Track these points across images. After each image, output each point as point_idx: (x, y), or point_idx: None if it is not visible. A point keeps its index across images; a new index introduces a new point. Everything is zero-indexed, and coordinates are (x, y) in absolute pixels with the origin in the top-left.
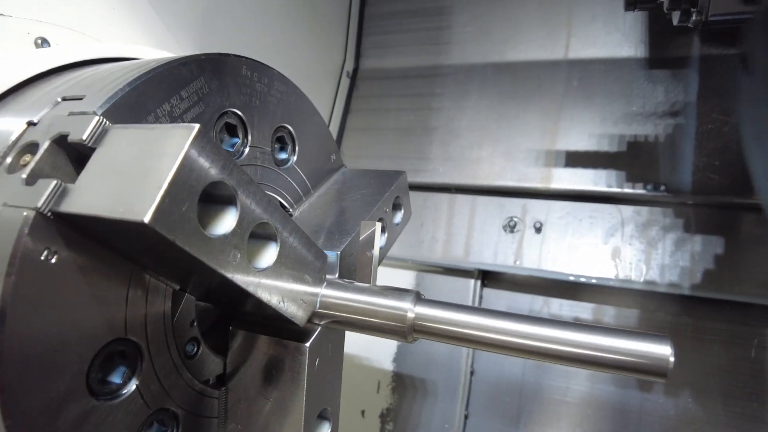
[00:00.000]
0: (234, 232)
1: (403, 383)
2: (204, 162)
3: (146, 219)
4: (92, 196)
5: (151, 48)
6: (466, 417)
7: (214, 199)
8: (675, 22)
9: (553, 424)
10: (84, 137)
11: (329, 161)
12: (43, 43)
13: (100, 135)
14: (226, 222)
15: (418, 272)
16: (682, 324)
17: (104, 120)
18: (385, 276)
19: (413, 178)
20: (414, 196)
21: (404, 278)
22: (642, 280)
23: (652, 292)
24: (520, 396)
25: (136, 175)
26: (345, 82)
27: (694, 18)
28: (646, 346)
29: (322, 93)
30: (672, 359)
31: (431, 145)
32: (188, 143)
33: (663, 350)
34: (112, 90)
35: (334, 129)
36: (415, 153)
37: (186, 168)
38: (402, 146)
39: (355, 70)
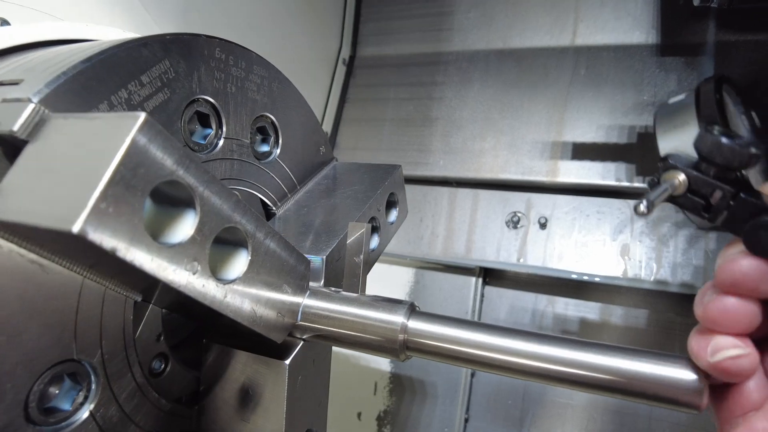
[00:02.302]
0: (192, 239)
1: (401, 385)
2: (153, 157)
3: (75, 228)
4: (20, 199)
5: (119, 30)
6: (466, 420)
7: (170, 200)
8: (696, 2)
9: (557, 428)
10: (15, 128)
11: (318, 154)
12: (2, 24)
13: (36, 126)
14: (183, 228)
15: (418, 269)
16: (693, 325)
17: (41, 108)
18: (384, 273)
19: (413, 171)
20: (414, 190)
21: (403, 276)
22: (652, 279)
23: (662, 291)
24: (523, 399)
25: (71, 175)
26: (341, 70)
27: None
28: (678, 373)
29: (316, 82)
30: (706, 390)
31: (432, 137)
32: (131, 135)
33: (693, 378)
34: (54, 74)
35: (329, 119)
36: (415, 145)
37: (128, 165)
38: (401, 138)
39: (352, 57)
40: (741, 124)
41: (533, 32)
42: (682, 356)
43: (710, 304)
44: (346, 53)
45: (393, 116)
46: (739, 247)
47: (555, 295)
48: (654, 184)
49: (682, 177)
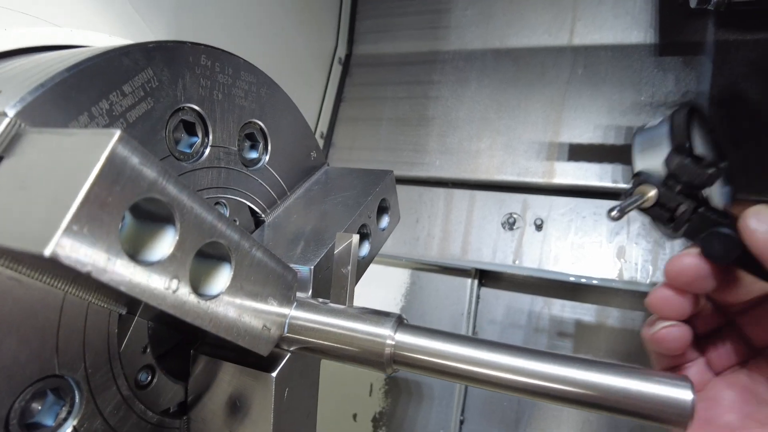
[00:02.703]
0: (172, 256)
1: (396, 386)
2: (130, 173)
3: (47, 251)
4: None
5: (105, 34)
6: (461, 422)
7: (150, 216)
8: (693, 4)
9: (553, 429)
10: None
11: (308, 159)
12: None
13: (12, 141)
14: (163, 245)
15: (413, 271)
16: None
17: (17, 122)
18: (380, 274)
19: (409, 171)
20: (409, 190)
21: (398, 277)
22: (648, 281)
23: None
24: (518, 401)
25: (45, 193)
26: (337, 69)
27: (715, 0)
28: (664, 390)
29: (312, 80)
30: (692, 410)
31: (428, 137)
32: (106, 153)
33: (683, 396)
34: (32, 85)
35: (325, 118)
36: (411, 145)
37: (104, 183)
38: (397, 137)
39: (348, 56)
40: (707, 149)
41: (531, 31)
42: (669, 374)
43: (654, 293)
44: (342, 52)
45: (389, 115)
46: (692, 251)
47: (551, 296)
48: (628, 195)
49: (652, 191)
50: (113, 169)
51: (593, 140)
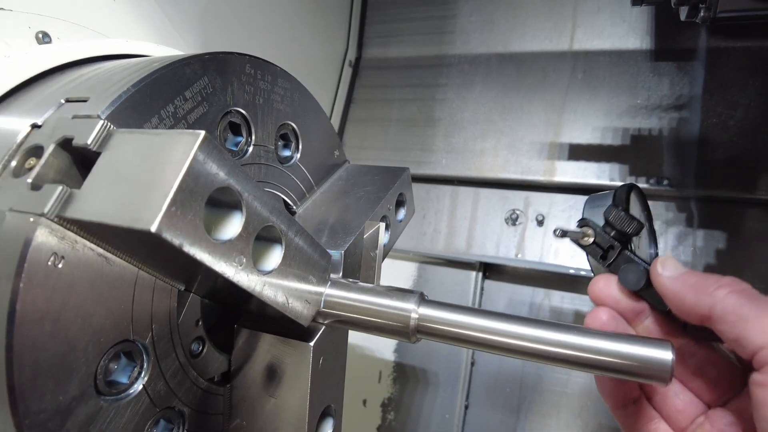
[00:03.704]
0: (239, 236)
1: (404, 373)
2: (209, 168)
3: (153, 228)
4: (98, 202)
5: (152, 44)
6: (466, 407)
7: (219, 203)
8: (683, 17)
9: (553, 414)
10: (89, 142)
11: (332, 157)
12: (44, 37)
13: (104, 139)
14: (232, 227)
15: (420, 264)
16: None
17: (108, 124)
18: (388, 268)
19: (416, 170)
20: (417, 188)
21: (406, 270)
22: None
23: None
24: (520, 387)
25: (142, 182)
26: (347, 72)
27: (702, 14)
28: (648, 351)
29: (323, 83)
30: (672, 365)
31: (435, 137)
32: (194, 150)
33: (664, 355)
34: (116, 93)
35: (336, 120)
36: (419, 145)
37: (192, 175)
38: (405, 138)
39: (358, 59)
40: (639, 213)
41: (533, 37)
42: (652, 338)
43: (593, 288)
44: (352, 55)
45: (398, 116)
46: (611, 278)
47: (551, 288)
48: (574, 232)
49: (591, 232)
50: (199, 163)
51: (592, 141)
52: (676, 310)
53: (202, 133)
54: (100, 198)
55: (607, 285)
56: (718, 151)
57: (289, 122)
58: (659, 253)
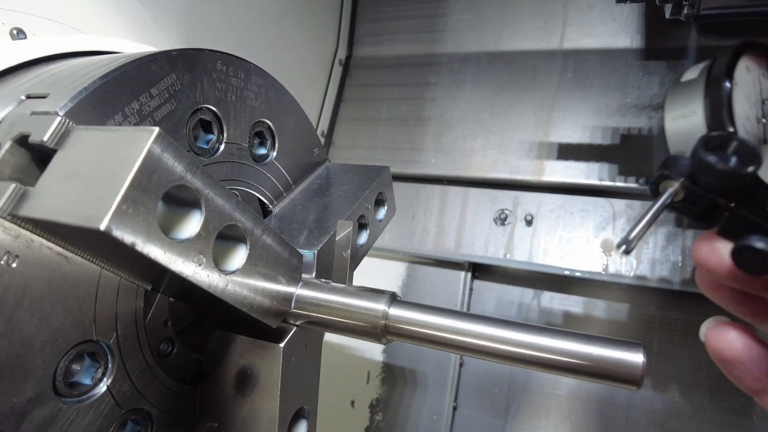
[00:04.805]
0: (199, 235)
1: (392, 374)
2: (165, 165)
3: (102, 226)
4: (52, 200)
5: (128, 41)
6: (454, 408)
7: (178, 201)
8: (667, 15)
9: (541, 416)
10: (45, 138)
11: (312, 155)
12: (18, 34)
13: (62, 136)
14: (191, 225)
15: (409, 264)
16: (671, 318)
17: (66, 120)
18: (377, 267)
19: (405, 169)
20: (406, 187)
21: (395, 270)
22: (632, 274)
23: (642, 286)
24: (509, 388)
25: (95, 179)
26: (338, 70)
27: (686, 11)
28: (619, 354)
29: (313, 81)
30: (642, 369)
31: (425, 136)
32: (147, 146)
33: (635, 358)
34: (76, 89)
35: (326, 118)
36: (408, 144)
37: (145, 172)
38: (395, 137)
39: (348, 58)
40: (753, 122)
41: (523, 35)
42: (624, 340)
43: (696, 255)
44: (342, 54)
45: (387, 116)
46: (717, 241)
47: (540, 289)
48: (654, 191)
49: (678, 187)
50: (153, 159)
51: (581, 140)
52: None
53: (156, 129)
54: (54, 196)
55: (713, 251)
56: None
57: (264, 120)
58: None
